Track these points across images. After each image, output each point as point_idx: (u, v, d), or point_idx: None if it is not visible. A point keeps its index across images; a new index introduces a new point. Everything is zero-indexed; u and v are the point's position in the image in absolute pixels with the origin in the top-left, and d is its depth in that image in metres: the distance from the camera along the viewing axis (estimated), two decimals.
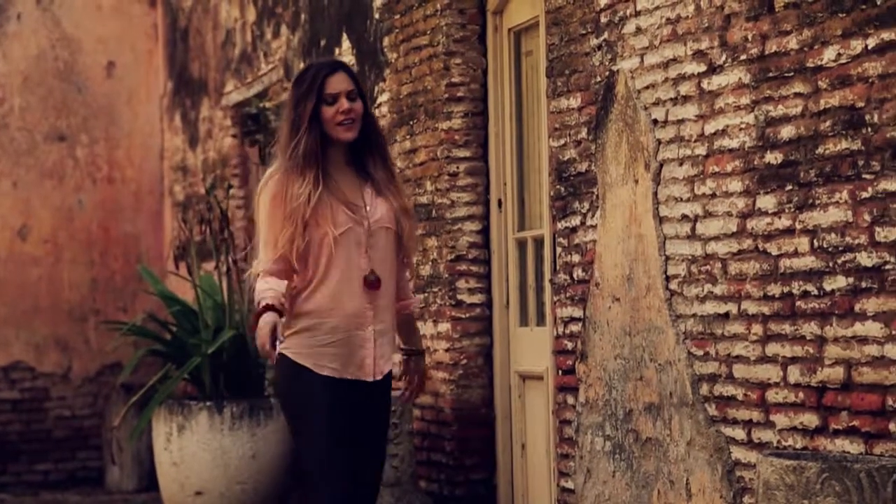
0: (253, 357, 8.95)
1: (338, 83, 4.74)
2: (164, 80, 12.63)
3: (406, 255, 4.88)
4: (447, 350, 7.30)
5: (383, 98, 8.16)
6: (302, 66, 9.44)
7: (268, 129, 9.35)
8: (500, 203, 7.27)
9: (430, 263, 7.51)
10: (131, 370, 9.37)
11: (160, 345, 9.09)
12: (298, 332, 4.70)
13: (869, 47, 4.43)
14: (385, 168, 4.84)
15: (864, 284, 4.46)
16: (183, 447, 8.49)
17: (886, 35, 4.35)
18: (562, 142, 6.28)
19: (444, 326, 7.32)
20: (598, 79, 5.96)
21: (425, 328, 7.39)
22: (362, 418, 4.71)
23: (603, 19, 5.92)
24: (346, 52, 8.73)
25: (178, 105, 12.37)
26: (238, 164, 10.98)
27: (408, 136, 7.78)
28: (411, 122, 7.74)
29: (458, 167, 7.35)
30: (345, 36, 8.76)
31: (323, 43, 9.11)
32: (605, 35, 5.90)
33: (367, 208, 4.75)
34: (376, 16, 8.27)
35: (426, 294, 7.51)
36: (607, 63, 5.89)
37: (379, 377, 4.73)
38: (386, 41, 8.13)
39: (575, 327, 6.20)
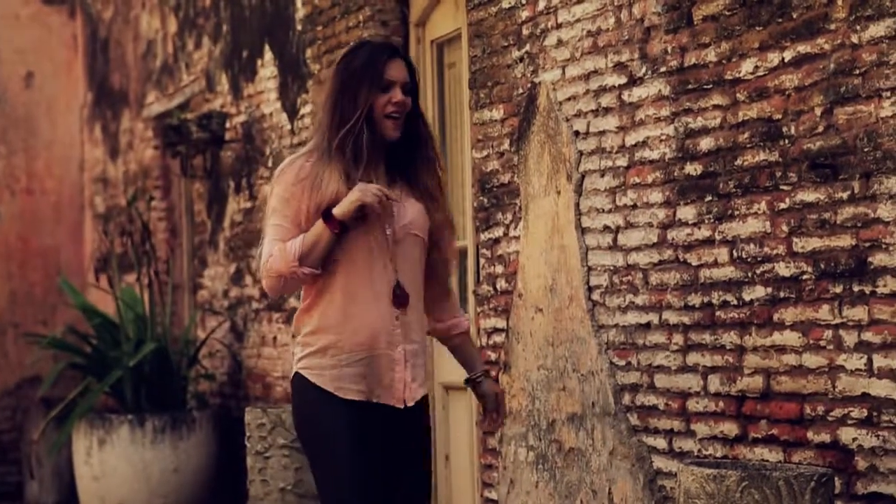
0: (175, 370, 8.91)
1: (397, 71, 4.09)
2: (83, 91, 12.54)
3: (447, 271, 4.27)
4: None
5: (306, 110, 8.15)
6: (224, 77, 9.42)
7: (190, 140, 9.31)
8: None
9: None
10: (51, 383, 9.29)
11: (80, 358, 9.02)
12: (317, 350, 4.11)
13: (785, 60, 4.48)
14: (429, 173, 4.19)
15: (782, 294, 4.52)
16: (104, 461, 8.43)
17: (802, 48, 4.41)
18: (485, 153, 6.30)
19: None
20: (521, 90, 5.99)
21: None
22: (394, 449, 4.09)
23: (525, 32, 5.95)
24: (268, 64, 8.71)
25: (98, 116, 12.28)
26: (160, 176, 10.92)
27: None
28: None
29: None
30: (267, 47, 8.75)
31: (245, 54, 9.08)
32: (527, 47, 5.93)
33: (395, 212, 4.10)
34: (299, 27, 8.27)
35: None
36: (529, 75, 5.92)
37: (410, 403, 4.11)
38: (308, 53, 8.12)
39: (498, 338, 6.22)
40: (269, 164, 8.67)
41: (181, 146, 9.40)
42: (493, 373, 6.23)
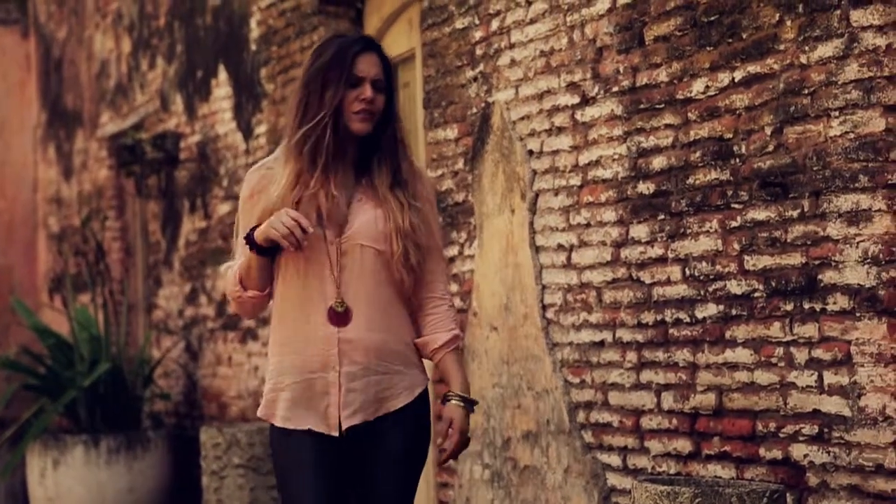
0: (130, 390, 8.87)
1: (367, 66, 3.77)
2: (37, 111, 12.49)
3: (417, 283, 3.85)
4: None
5: (261, 129, 8.15)
6: (178, 97, 9.41)
7: (144, 160, 9.29)
8: None
9: None
10: (4, 404, 9.23)
11: (34, 378, 8.97)
12: (268, 374, 3.85)
13: (736, 80, 4.53)
14: (394, 177, 3.81)
15: (734, 312, 4.55)
16: (58, 482, 8.38)
17: (752, 68, 4.45)
18: (439, 172, 6.33)
19: None
20: (475, 110, 6.02)
21: None
22: (343, 482, 3.76)
23: (478, 52, 5.98)
24: (223, 84, 8.71)
25: (52, 136, 12.23)
26: (114, 196, 10.88)
27: None
28: None
29: None
30: (222, 67, 8.74)
31: (200, 74, 9.08)
32: (481, 67, 5.96)
33: (348, 220, 3.77)
34: (253, 47, 8.27)
35: None
36: (483, 95, 5.95)
37: (343, 432, 3.73)
38: (263, 72, 8.12)
39: None
40: (224, 183, 8.66)
41: (135, 166, 9.38)
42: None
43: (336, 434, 3.72)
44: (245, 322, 8.33)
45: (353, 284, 3.73)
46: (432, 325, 3.87)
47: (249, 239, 3.70)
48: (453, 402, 3.87)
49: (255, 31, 8.24)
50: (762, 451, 4.43)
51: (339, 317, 3.72)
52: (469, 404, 3.88)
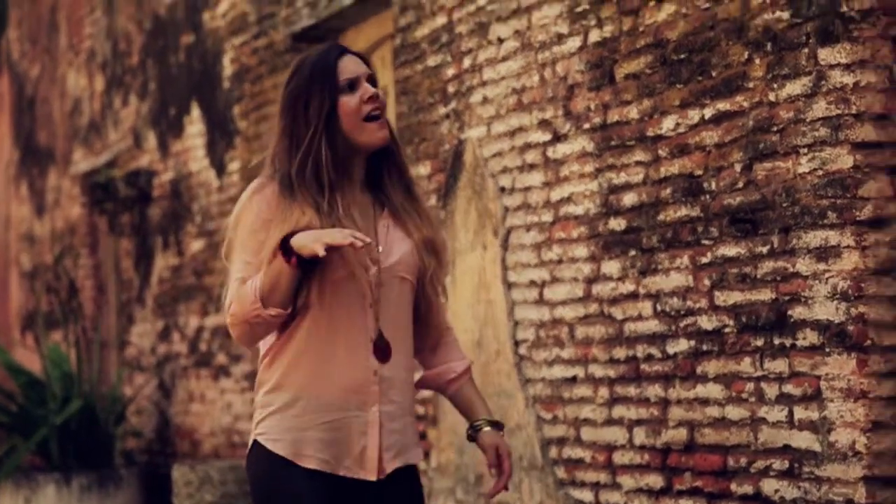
0: (102, 427, 8.84)
1: (355, 65, 3.38)
2: (9, 148, 12.48)
3: (434, 306, 3.51)
4: None
5: (234, 167, 8.16)
6: (151, 134, 9.42)
7: (117, 197, 9.29)
8: None
9: None
10: None
11: (6, 416, 8.93)
12: (276, 410, 3.37)
13: (706, 117, 4.56)
14: (406, 189, 3.49)
15: (704, 347, 4.57)
16: None
17: (722, 105, 4.49)
18: None
19: None
20: (447, 147, 6.05)
21: None
22: None
23: (451, 89, 6.01)
24: (196, 121, 8.72)
25: (24, 174, 12.21)
26: (87, 233, 10.87)
27: None
28: None
29: None
30: (195, 105, 8.76)
31: (173, 111, 9.09)
32: (453, 104, 5.99)
33: (380, 248, 3.41)
34: (226, 85, 8.29)
35: None
36: (455, 132, 5.98)
37: (382, 476, 3.37)
38: (236, 110, 8.14)
39: (427, 392, 6.23)
40: (197, 220, 8.66)
41: (108, 203, 9.38)
42: (421, 427, 6.24)
43: (373, 478, 3.37)
44: (218, 359, 8.32)
45: (390, 317, 3.41)
46: (444, 354, 3.60)
47: (287, 247, 3.27)
48: (490, 429, 3.54)
49: (227, 69, 8.26)
50: (733, 487, 4.45)
51: (383, 352, 3.39)
52: (501, 428, 3.59)
